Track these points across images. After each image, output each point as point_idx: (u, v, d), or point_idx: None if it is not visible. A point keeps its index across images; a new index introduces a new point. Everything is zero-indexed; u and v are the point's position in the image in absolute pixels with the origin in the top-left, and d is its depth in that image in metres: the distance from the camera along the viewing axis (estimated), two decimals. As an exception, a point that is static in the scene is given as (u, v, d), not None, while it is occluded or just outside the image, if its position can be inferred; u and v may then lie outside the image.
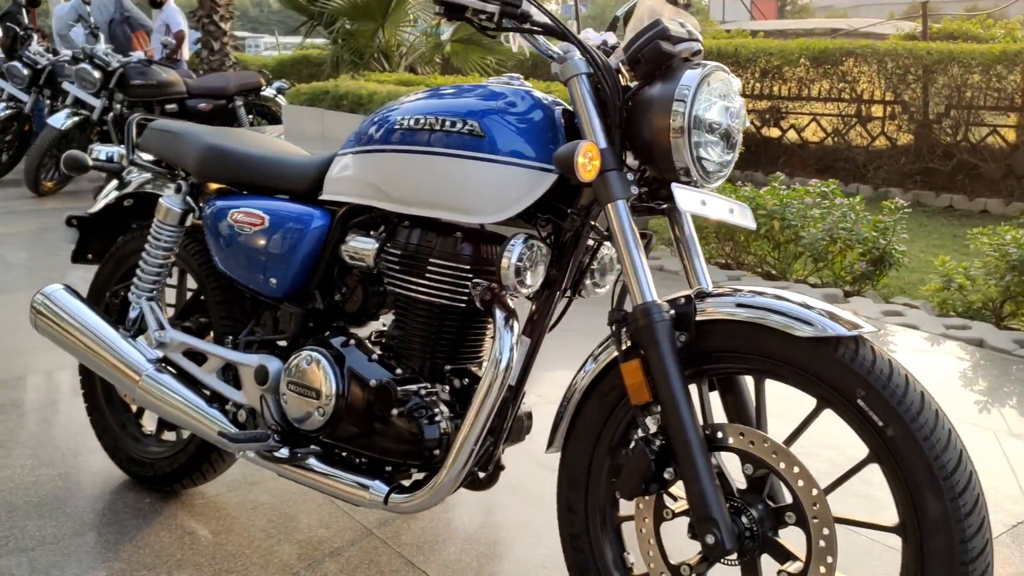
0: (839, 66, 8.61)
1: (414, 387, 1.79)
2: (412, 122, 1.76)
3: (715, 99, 1.56)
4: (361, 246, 1.91)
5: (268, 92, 8.48)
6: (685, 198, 1.53)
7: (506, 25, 1.59)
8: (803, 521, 1.38)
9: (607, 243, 1.76)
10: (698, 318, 1.49)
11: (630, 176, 1.60)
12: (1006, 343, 3.69)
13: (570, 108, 1.70)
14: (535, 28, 1.63)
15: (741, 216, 1.63)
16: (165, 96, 7.34)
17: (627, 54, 1.59)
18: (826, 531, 1.36)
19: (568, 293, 1.78)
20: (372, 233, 1.93)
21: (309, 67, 13.98)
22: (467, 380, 1.89)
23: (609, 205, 1.55)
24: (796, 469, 1.38)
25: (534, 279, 1.69)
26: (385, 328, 2.06)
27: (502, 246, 1.67)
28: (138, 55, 7.58)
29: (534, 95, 1.73)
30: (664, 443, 1.46)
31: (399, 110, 1.82)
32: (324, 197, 1.96)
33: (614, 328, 1.54)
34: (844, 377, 1.32)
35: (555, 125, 1.68)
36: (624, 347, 1.50)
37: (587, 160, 1.52)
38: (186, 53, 9.14)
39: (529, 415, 1.92)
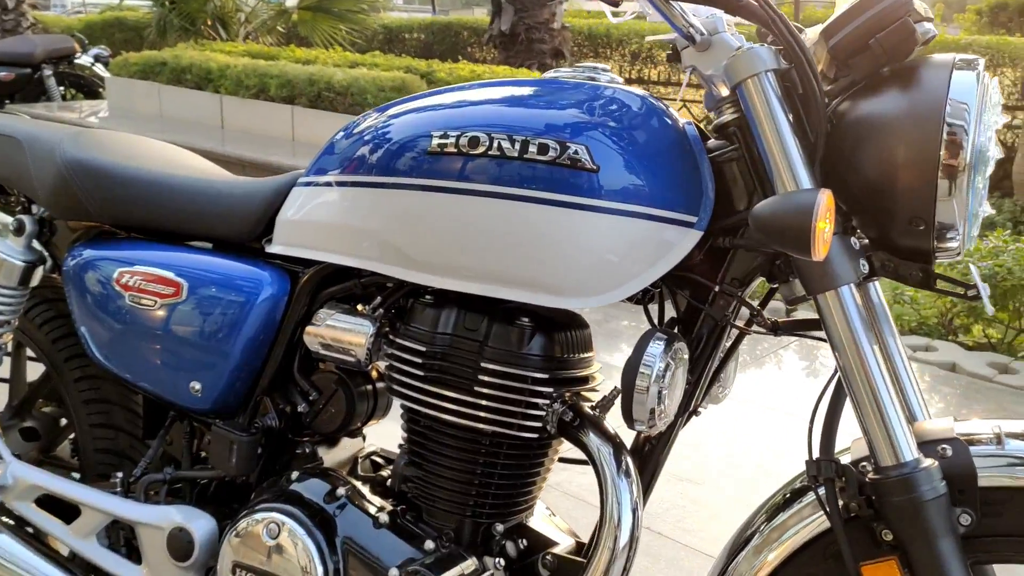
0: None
1: (457, 571, 1.13)
2: (458, 143, 1.08)
3: (993, 118, 0.98)
4: (346, 330, 1.23)
5: (84, 60, 7.28)
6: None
7: None
8: None
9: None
10: (982, 483, 0.93)
11: (855, 242, 1.00)
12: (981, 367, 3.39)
13: (696, 124, 1.12)
14: None
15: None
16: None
17: (834, 39, 1.01)
18: None
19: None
20: (363, 309, 1.25)
21: (124, 31, 12.38)
22: (524, 542, 1.23)
23: (829, 294, 0.97)
24: None
25: (672, 403, 1.06)
26: (376, 451, 1.37)
27: (637, 355, 1.03)
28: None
29: (655, 103, 1.11)
30: None
31: (423, 118, 1.15)
32: (275, 250, 1.28)
33: (823, 492, 1.00)
34: None
35: (694, 154, 1.07)
36: (846, 515, 0.98)
37: (828, 224, 0.91)
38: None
39: None
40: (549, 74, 1.21)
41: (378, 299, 1.26)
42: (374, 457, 1.43)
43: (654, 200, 1.04)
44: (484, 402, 1.13)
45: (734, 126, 1.06)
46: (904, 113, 0.96)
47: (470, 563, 1.15)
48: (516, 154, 1.05)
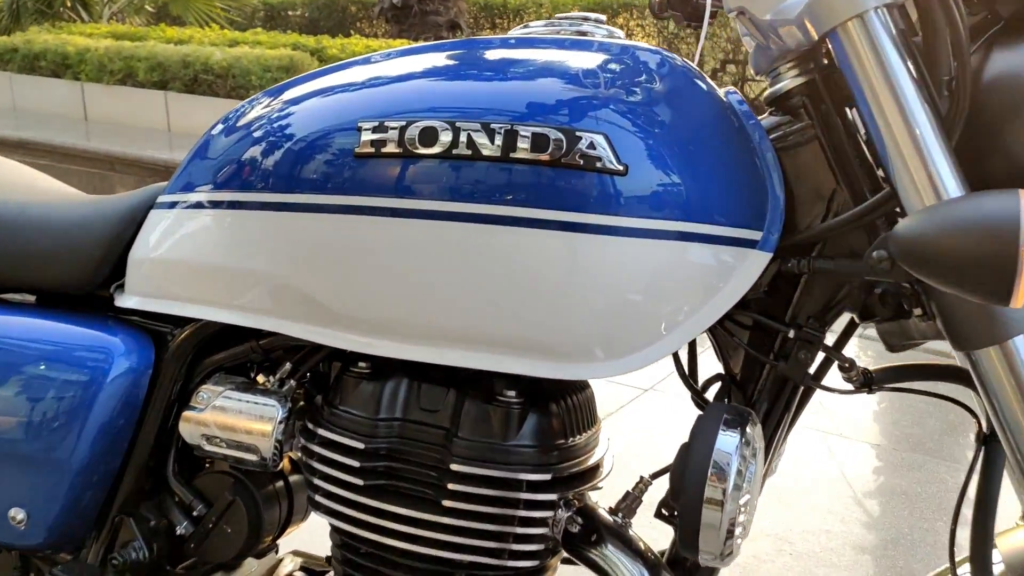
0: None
1: None
2: (401, 138, 0.72)
3: None
4: (242, 415, 0.86)
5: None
6: None
7: None
8: None
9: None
10: None
11: None
12: None
13: (737, 93, 0.79)
14: None
15: None
16: None
17: None
18: None
19: None
20: (265, 381, 0.89)
21: (-28, 18, 11.26)
22: None
23: (993, 349, 0.66)
24: None
25: (751, 515, 0.72)
26: (300, 567, 1.00)
27: (701, 455, 0.68)
28: None
29: (686, 66, 0.78)
30: None
31: (342, 103, 0.80)
32: (129, 302, 0.91)
33: None
34: None
35: (752, 140, 0.75)
36: None
37: None
38: None
39: None
40: (516, 31, 0.84)
41: (287, 366, 0.87)
42: None
43: (705, 211, 0.71)
44: (456, 521, 0.76)
45: (802, 95, 0.74)
46: None
47: None
48: (497, 152, 0.69)
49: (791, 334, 0.76)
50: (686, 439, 0.75)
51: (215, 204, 0.82)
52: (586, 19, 0.82)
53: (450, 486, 0.76)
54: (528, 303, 0.70)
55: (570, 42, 0.77)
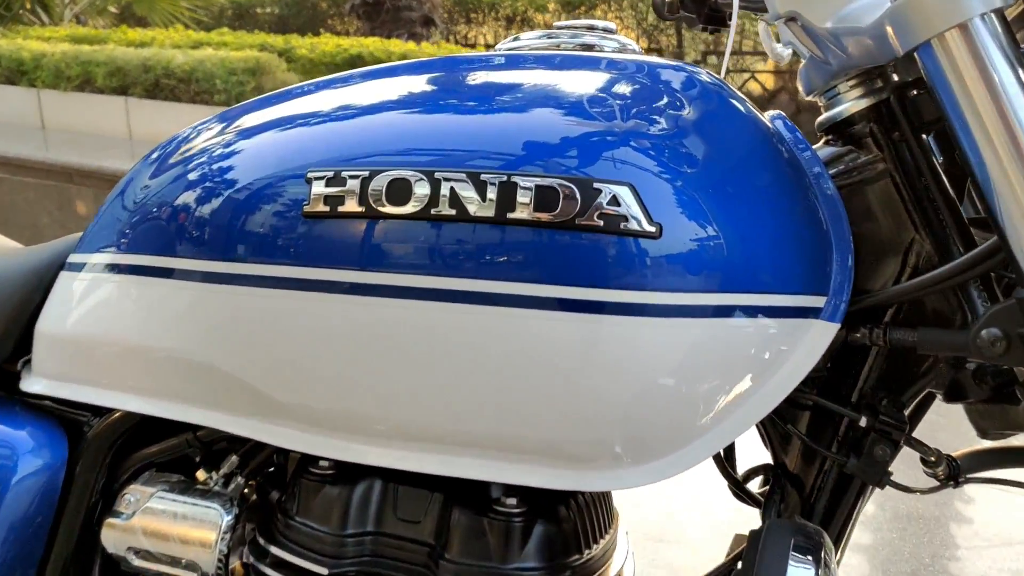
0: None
1: None
2: (363, 192, 0.56)
3: None
4: (178, 521, 0.71)
5: None
6: None
7: None
8: None
9: None
10: None
11: None
12: None
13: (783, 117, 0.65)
14: None
15: None
16: None
17: None
18: None
19: None
20: (206, 479, 0.73)
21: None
22: None
23: None
24: None
25: None
26: None
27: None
28: None
29: (724, 88, 0.62)
30: None
31: (291, 142, 0.64)
32: (36, 386, 0.75)
33: None
34: None
35: (810, 181, 0.59)
36: None
37: None
38: None
39: None
40: (506, 44, 0.68)
41: (233, 459, 0.71)
42: None
43: (756, 277, 0.56)
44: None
45: (870, 120, 0.60)
46: None
47: None
48: (490, 211, 0.52)
49: (863, 422, 0.60)
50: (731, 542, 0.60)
51: (134, 269, 0.66)
52: (592, 28, 0.66)
53: None
54: (534, 399, 0.54)
55: (574, 59, 0.62)
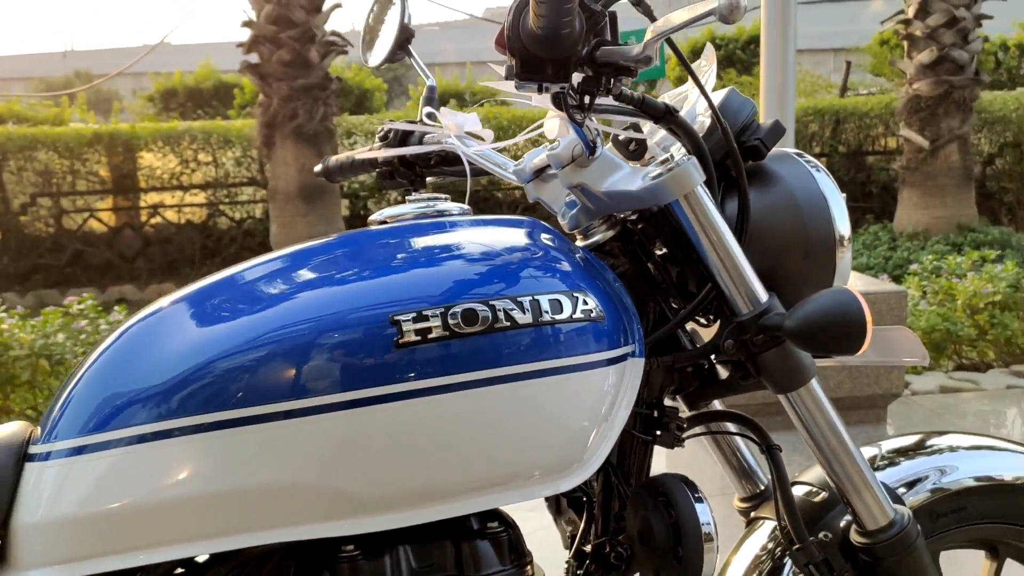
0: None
1: None
2: (446, 321, 0.82)
3: None
4: None
5: None
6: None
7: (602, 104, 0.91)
8: None
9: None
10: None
11: None
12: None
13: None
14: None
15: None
16: None
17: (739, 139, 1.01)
18: None
19: None
20: None
21: None
22: None
23: (802, 389, 0.98)
24: None
25: None
26: None
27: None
28: None
29: (544, 226, 0.99)
30: None
31: (351, 309, 0.82)
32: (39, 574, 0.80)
33: (815, 567, 1.01)
34: None
35: (608, 276, 0.96)
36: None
37: None
38: None
39: None
40: (382, 215, 0.97)
41: None
42: None
43: (612, 339, 0.88)
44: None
45: (617, 241, 1.01)
46: (796, 199, 1.00)
47: None
48: (530, 319, 0.83)
49: (655, 414, 0.98)
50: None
51: (136, 440, 0.78)
52: (435, 199, 0.95)
53: None
54: (543, 434, 0.84)
55: (497, 221, 0.94)
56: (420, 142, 1.15)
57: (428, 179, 1.19)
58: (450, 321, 0.79)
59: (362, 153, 1.21)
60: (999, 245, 5.63)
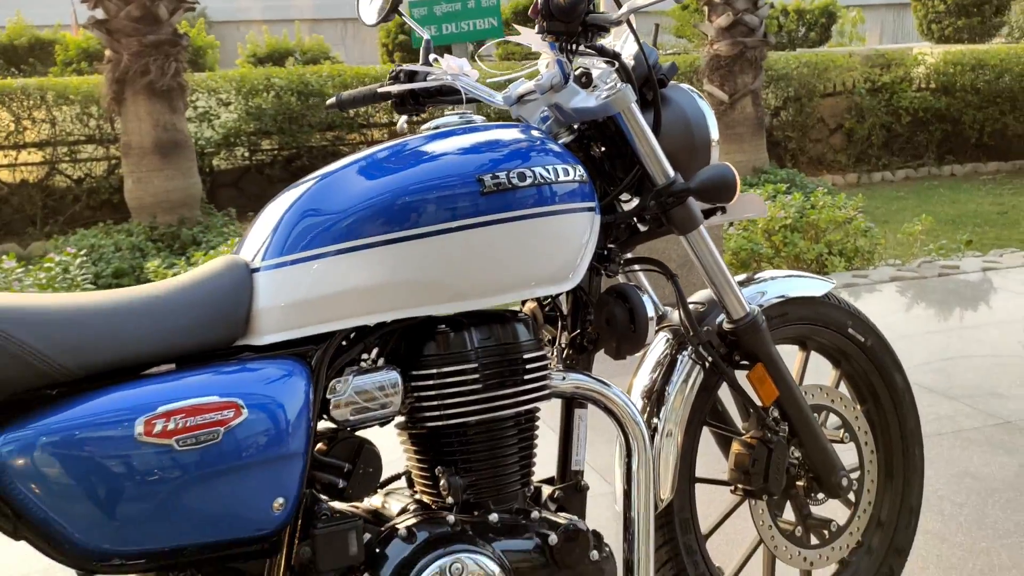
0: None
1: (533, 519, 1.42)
2: (500, 181, 1.32)
3: None
4: (376, 385, 1.29)
5: None
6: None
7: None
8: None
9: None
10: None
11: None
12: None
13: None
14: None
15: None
16: None
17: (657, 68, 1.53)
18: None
19: None
20: (366, 362, 1.33)
21: None
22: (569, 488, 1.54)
23: (696, 231, 1.51)
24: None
25: None
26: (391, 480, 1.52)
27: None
28: None
29: (528, 126, 1.48)
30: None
31: (452, 173, 1.32)
32: (273, 338, 1.24)
33: (708, 350, 1.57)
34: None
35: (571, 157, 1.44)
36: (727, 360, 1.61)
37: None
38: None
39: None
40: (434, 124, 1.44)
41: (375, 350, 1.34)
42: (394, 487, 1.55)
43: (589, 196, 1.39)
44: (524, 387, 1.37)
45: (575, 143, 1.49)
46: (687, 111, 1.56)
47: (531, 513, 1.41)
48: (550, 181, 1.34)
49: (605, 252, 1.49)
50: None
51: (345, 251, 1.24)
52: (465, 114, 1.44)
53: (526, 358, 1.39)
54: (549, 252, 1.35)
55: (508, 125, 1.42)
56: (424, 80, 1.55)
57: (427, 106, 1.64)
58: (510, 177, 1.31)
59: (383, 87, 1.61)
60: (786, 183, 6.66)
